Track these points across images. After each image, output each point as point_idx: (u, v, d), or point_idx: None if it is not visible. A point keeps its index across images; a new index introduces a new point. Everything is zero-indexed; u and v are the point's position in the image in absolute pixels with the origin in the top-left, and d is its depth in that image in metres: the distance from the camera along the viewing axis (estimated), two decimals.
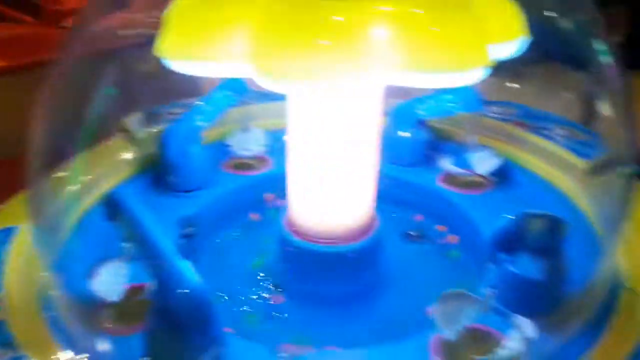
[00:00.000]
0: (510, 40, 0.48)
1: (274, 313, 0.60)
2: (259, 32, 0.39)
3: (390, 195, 0.80)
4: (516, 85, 0.89)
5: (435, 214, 0.77)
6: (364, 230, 0.61)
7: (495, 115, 0.87)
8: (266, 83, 0.40)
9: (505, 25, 0.48)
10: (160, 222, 0.46)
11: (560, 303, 0.52)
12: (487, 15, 0.45)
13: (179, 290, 0.42)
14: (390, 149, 0.86)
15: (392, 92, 0.96)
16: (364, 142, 0.57)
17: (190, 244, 0.67)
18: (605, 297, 0.53)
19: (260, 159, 0.86)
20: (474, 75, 0.42)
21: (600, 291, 0.53)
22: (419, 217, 0.78)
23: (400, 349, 0.50)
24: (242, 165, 0.85)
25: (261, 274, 0.66)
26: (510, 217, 0.46)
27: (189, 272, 0.43)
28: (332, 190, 0.59)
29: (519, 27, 0.49)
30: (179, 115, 0.81)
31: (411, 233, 0.76)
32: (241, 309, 0.61)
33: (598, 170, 0.63)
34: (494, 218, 0.58)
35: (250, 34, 0.40)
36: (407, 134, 0.83)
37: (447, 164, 0.80)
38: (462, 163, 0.79)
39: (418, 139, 0.83)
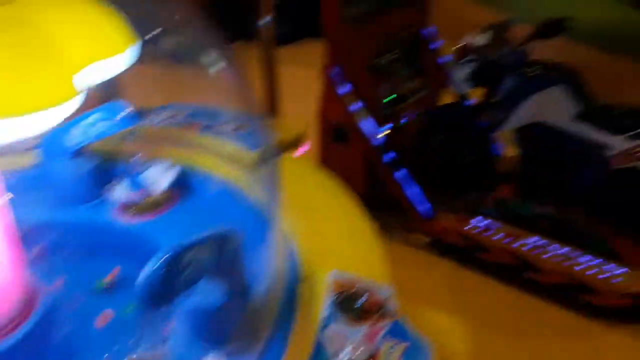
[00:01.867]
0: (120, 54, 0.44)
1: None
2: None
3: (68, 244, 0.68)
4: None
5: (122, 254, 0.67)
6: (15, 319, 0.49)
7: (162, 122, 0.82)
8: None
9: (109, 42, 0.44)
10: None
11: (248, 315, 0.50)
12: (78, 41, 0.40)
13: None
14: (54, 188, 0.73)
15: None
16: None
17: None
18: (285, 293, 0.53)
19: None
20: (65, 109, 0.35)
21: (280, 286, 0.53)
22: (108, 264, 0.67)
23: None
24: None
25: None
26: (161, 257, 0.40)
27: None
28: None
29: (124, 39, 0.45)
30: None
31: (103, 284, 0.65)
32: None
33: (263, 159, 0.62)
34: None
35: None
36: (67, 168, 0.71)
37: (120, 192, 0.71)
38: (137, 184, 0.72)
39: (81, 170, 0.72)
